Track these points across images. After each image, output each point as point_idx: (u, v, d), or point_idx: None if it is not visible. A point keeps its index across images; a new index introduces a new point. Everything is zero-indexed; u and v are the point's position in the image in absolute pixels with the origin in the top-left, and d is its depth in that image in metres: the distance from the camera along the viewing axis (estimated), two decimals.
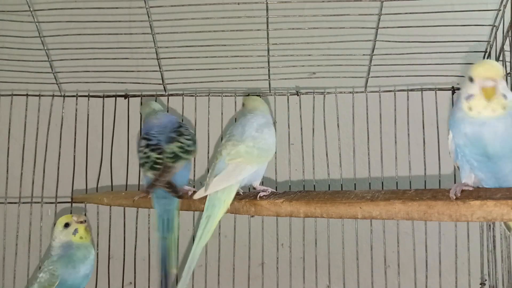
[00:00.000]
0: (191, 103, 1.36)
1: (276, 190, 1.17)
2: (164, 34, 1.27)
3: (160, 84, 1.37)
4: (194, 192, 1.06)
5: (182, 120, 1.36)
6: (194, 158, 1.19)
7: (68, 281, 1.11)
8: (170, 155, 1.09)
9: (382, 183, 1.30)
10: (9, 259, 1.35)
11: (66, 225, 1.14)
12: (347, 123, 1.35)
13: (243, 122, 1.05)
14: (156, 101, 1.37)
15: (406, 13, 1.19)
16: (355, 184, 1.32)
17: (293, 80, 1.38)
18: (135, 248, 1.33)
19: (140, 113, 1.27)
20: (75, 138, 1.37)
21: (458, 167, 0.93)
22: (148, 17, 1.21)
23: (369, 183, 1.30)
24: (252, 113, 1.08)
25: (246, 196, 1.03)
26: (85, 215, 1.36)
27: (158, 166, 1.08)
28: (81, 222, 1.15)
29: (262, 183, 1.05)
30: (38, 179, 1.35)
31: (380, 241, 1.28)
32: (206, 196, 0.99)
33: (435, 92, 1.29)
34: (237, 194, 1.01)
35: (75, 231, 1.14)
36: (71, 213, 1.21)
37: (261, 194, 1.00)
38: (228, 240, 1.34)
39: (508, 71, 1.10)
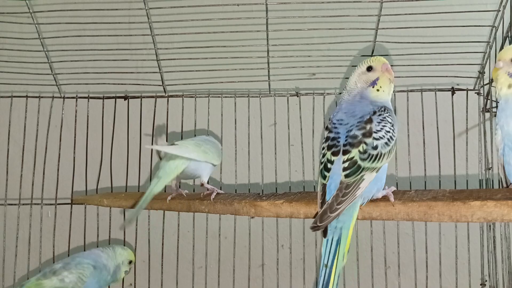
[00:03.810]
0: (191, 104, 1.36)
1: (276, 191, 1.17)
2: (164, 35, 1.27)
3: (160, 85, 1.37)
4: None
5: (183, 122, 1.36)
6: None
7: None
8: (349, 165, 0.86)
9: None
10: (9, 260, 1.35)
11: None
12: None
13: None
14: (155, 102, 1.37)
15: (405, 14, 1.19)
16: None
17: (292, 81, 1.37)
18: (135, 249, 1.33)
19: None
20: (74, 140, 1.36)
21: (502, 164, 0.93)
22: (148, 18, 1.21)
23: None
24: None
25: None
26: (85, 216, 1.36)
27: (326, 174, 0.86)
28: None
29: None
30: (38, 180, 1.35)
31: (380, 242, 1.28)
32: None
33: (435, 93, 1.29)
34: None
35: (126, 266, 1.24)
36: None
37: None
38: (228, 241, 1.33)
39: None
